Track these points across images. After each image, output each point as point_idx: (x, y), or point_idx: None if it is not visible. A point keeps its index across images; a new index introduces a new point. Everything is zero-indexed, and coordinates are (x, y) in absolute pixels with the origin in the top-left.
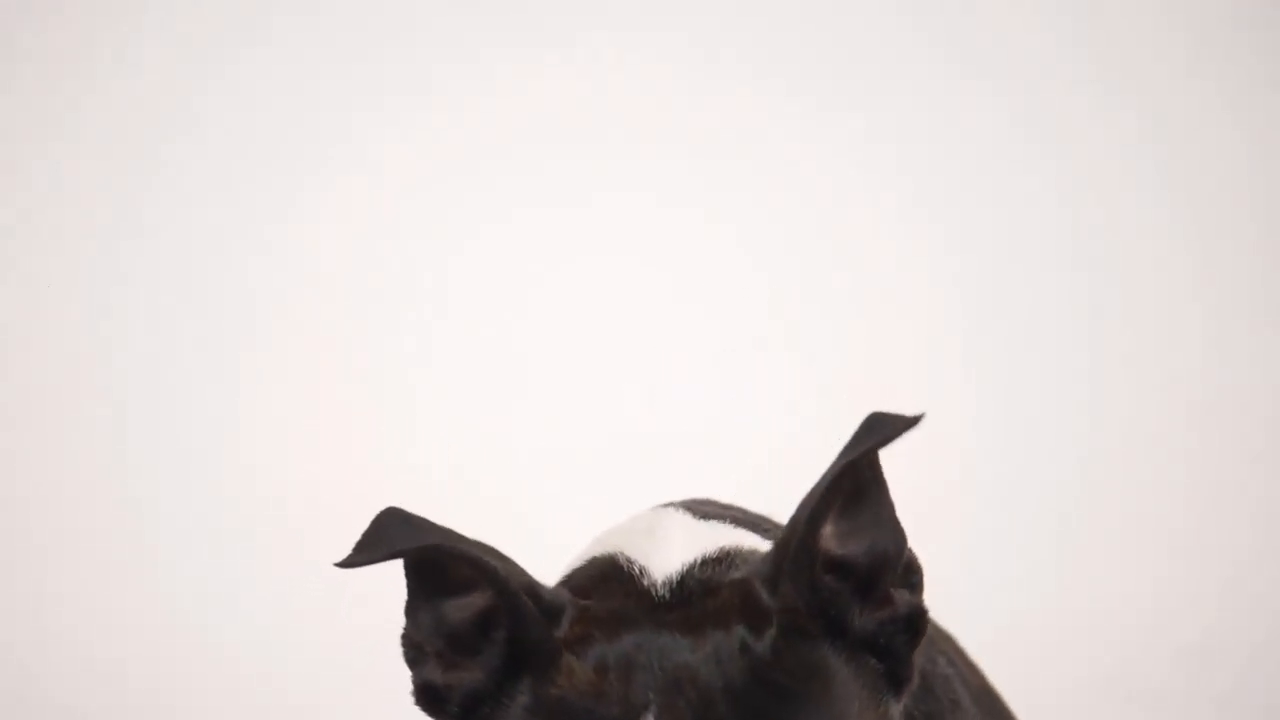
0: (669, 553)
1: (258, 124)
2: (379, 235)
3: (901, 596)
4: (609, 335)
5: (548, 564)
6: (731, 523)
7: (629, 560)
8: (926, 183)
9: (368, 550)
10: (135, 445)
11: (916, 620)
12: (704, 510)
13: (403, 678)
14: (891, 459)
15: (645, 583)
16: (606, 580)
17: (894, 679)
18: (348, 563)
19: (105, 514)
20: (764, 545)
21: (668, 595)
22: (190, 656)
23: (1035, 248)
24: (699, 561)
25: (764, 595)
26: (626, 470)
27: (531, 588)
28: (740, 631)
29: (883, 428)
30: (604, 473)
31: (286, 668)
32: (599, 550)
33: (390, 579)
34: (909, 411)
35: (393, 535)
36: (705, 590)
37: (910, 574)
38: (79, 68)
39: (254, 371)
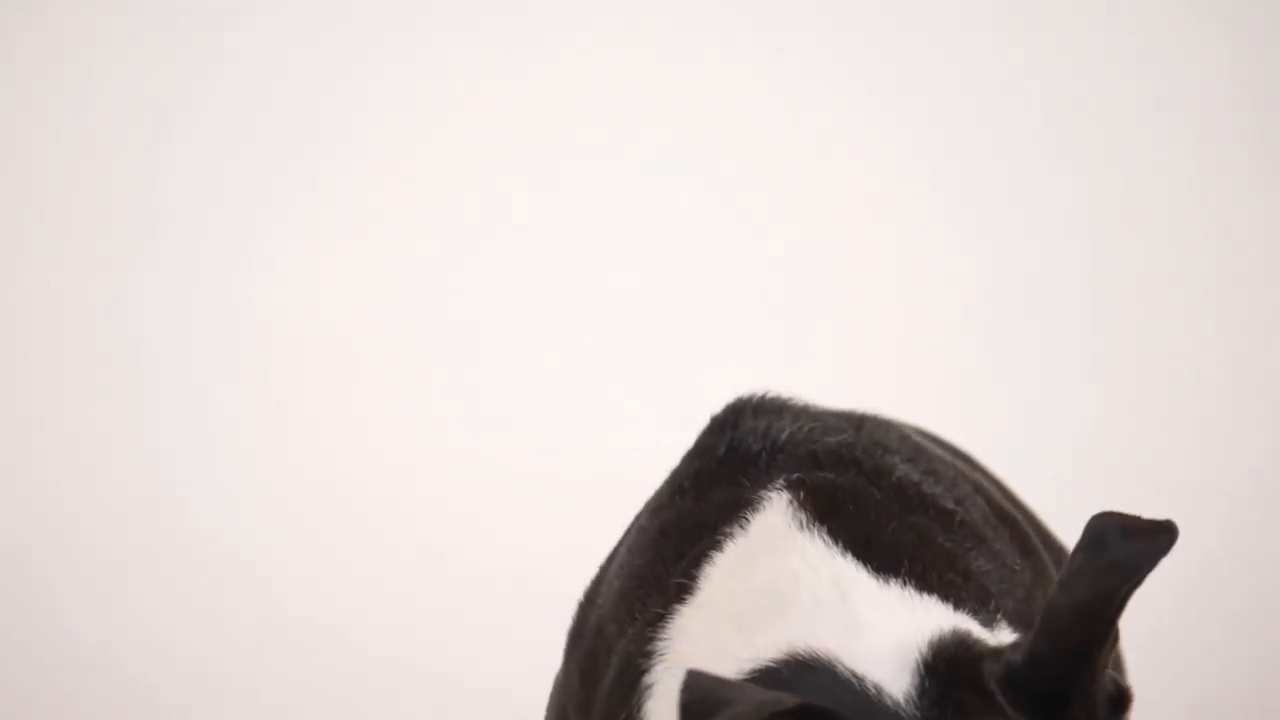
0: (886, 660)
1: (265, 118)
2: (385, 230)
3: (1107, 676)
4: (608, 336)
5: (548, 568)
6: (908, 579)
7: (858, 677)
8: (937, 179)
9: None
10: (150, 449)
11: (1121, 699)
12: (854, 540)
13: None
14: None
15: (888, 704)
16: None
17: None
18: None
19: (123, 519)
20: (947, 615)
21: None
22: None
23: (1043, 242)
24: (923, 670)
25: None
26: (631, 473)
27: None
28: None
29: (1127, 545)
30: (606, 475)
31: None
32: (798, 645)
33: (390, 582)
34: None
35: (730, 701)
36: (954, 709)
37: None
38: (82, 68)
39: (261, 370)
